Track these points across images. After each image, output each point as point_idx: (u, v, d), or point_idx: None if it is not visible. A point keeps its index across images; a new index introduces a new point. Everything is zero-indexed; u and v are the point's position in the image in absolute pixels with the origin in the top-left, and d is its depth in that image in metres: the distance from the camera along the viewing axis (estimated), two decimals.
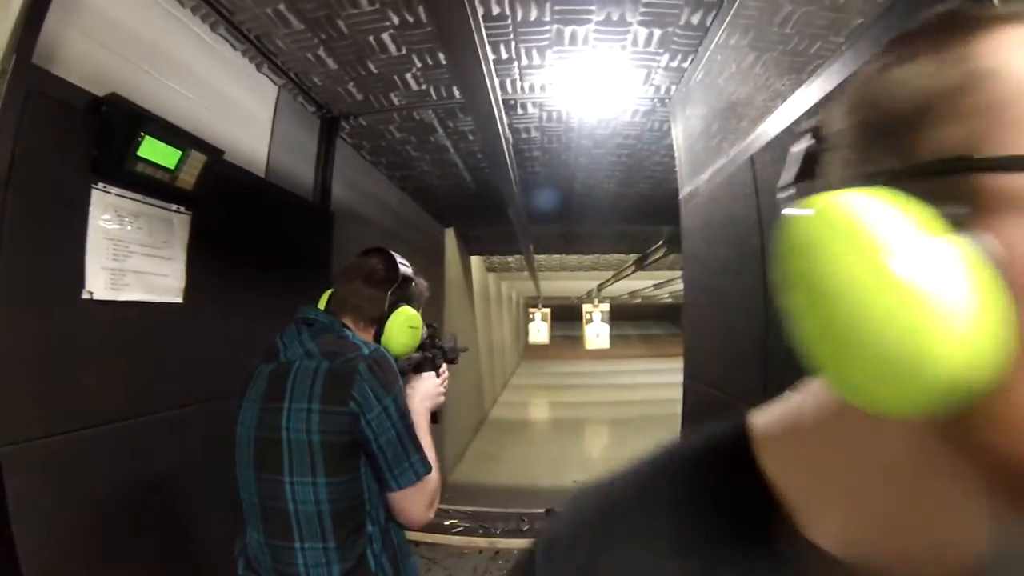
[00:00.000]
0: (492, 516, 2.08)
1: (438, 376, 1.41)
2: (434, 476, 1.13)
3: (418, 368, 1.38)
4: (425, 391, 1.31)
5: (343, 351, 1.07)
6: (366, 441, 1.03)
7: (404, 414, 1.08)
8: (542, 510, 2.12)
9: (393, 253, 1.29)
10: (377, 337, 1.22)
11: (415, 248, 4.26)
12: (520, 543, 1.90)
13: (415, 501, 1.09)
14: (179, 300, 1.53)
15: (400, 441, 1.06)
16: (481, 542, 1.89)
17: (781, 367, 1.29)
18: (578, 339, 11.30)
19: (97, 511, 1.26)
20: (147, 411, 1.42)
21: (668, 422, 7.43)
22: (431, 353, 1.43)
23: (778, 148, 1.30)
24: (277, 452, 1.03)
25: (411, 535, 1.24)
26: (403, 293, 1.27)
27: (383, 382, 1.06)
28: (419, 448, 1.09)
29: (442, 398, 1.38)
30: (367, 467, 1.06)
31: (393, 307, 1.24)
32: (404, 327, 1.23)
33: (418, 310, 1.31)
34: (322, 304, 1.27)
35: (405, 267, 1.29)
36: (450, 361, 1.55)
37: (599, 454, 7.30)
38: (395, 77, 2.18)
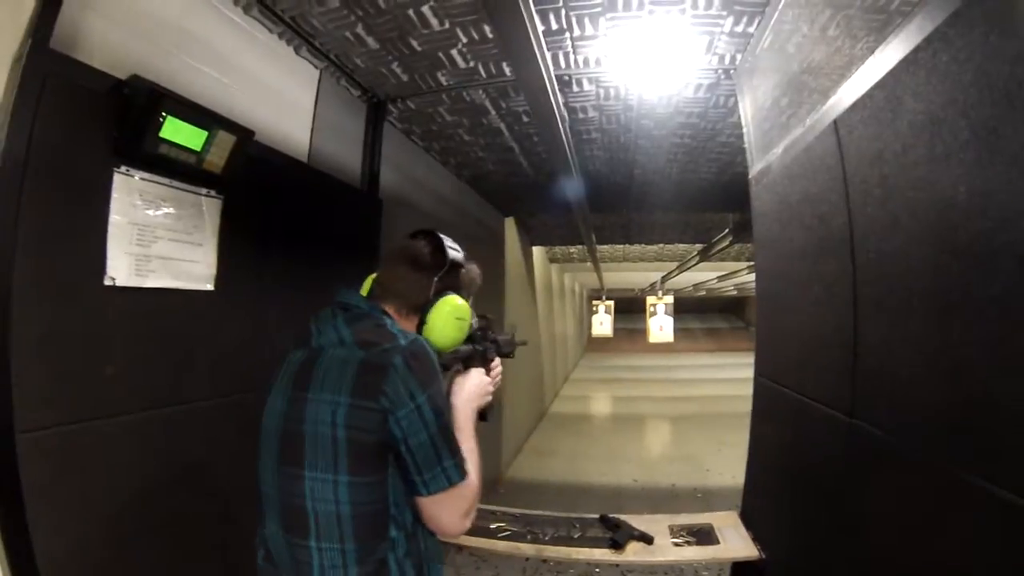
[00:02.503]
0: (542, 520, 1.94)
1: (489, 371, 1.29)
2: (472, 482, 1.01)
3: (466, 362, 1.25)
4: (471, 388, 1.19)
5: (379, 341, 0.97)
6: (395, 441, 0.93)
7: (440, 414, 0.97)
8: (595, 515, 1.95)
9: (442, 236, 1.16)
10: (420, 327, 1.10)
11: (473, 238, 4.18)
12: (569, 551, 1.75)
13: (447, 509, 0.98)
14: (210, 287, 1.48)
15: (433, 443, 0.95)
16: (528, 549, 1.76)
17: (874, 364, 1.08)
18: (641, 332, 10.97)
19: (117, 502, 1.24)
20: (174, 401, 1.38)
21: (732, 420, 7.17)
22: (482, 346, 1.30)
23: (870, 107, 1.08)
24: (299, 444, 0.95)
25: (450, 539, 1.12)
26: (451, 280, 1.15)
27: (419, 377, 0.95)
28: (454, 452, 0.98)
29: (490, 397, 1.26)
30: (395, 468, 0.95)
31: (438, 295, 1.11)
32: (449, 318, 1.11)
33: (468, 299, 1.18)
34: (365, 289, 1.17)
35: (455, 251, 1.16)
36: (505, 355, 1.42)
37: (660, 452, 7.03)
38: (440, 54, 2.07)
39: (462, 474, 0.98)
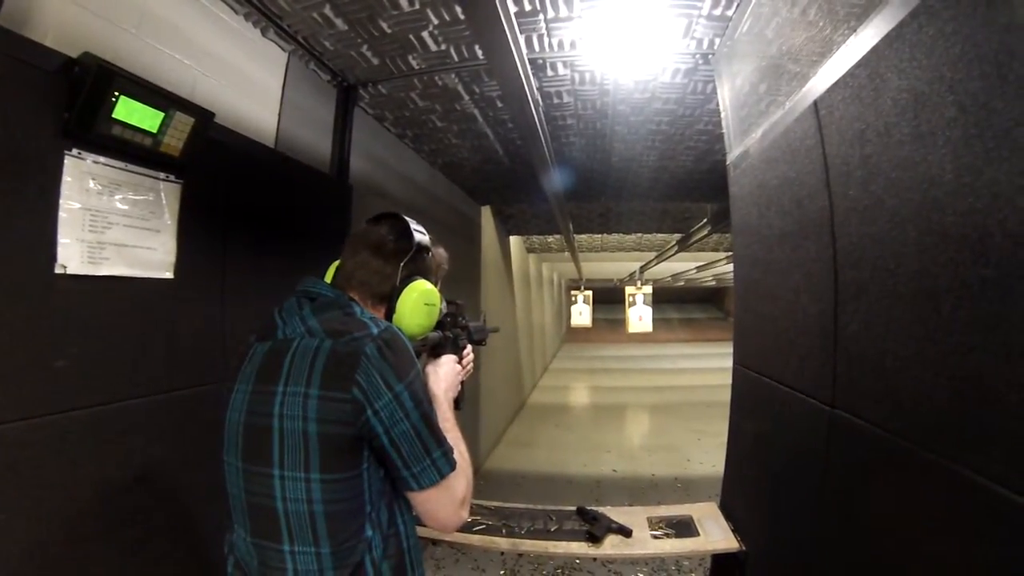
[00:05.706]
0: (518, 513, 1.91)
1: (461, 359, 1.26)
2: (464, 471, 0.98)
3: (436, 350, 1.22)
4: (447, 377, 1.16)
5: (349, 329, 0.92)
6: (374, 435, 0.88)
7: (420, 403, 0.92)
8: (572, 508, 1.93)
9: (407, 218, 1.11)
10: (388, 315, 1.05)
11: (449, 227, 4.11)
12: (545, 545, 1.73)
13: (442, 502, 0.94)
14: (169, 275, 1.41)
15: (417, 434, 0.90)
16: (503, 543, 1.74)
17: (856, 352, 1.06)
18: (620, 322, 11.04)
19: (73, 502, 1.17)
20: (131, 395, 1.31)
21: (711, 409, 7.24)
22: (452, 333, 1.27)
23: (851, 86, 1.05)
24: (267, 441, 0.89)
25: (423, 532, 1.08)
26: (417, 265, 1.09)
27: (395, 366, 0.90)
28: (441, 442, 0.94)
29: (460, 386, 1.23)
30: (371, 464, 0.90)
31: (405, 281, 1.06)
32: (419, 304, 1.06)
33: (436, 284, 1.14)
34: (329, 277, 1.11)
35: (420, 235, 1.10)
36: (477, 342, 1.38)
37: (640, 442, 7.08)
38: (411, 37, 2.00)
39: (451, 464, 0.95)
